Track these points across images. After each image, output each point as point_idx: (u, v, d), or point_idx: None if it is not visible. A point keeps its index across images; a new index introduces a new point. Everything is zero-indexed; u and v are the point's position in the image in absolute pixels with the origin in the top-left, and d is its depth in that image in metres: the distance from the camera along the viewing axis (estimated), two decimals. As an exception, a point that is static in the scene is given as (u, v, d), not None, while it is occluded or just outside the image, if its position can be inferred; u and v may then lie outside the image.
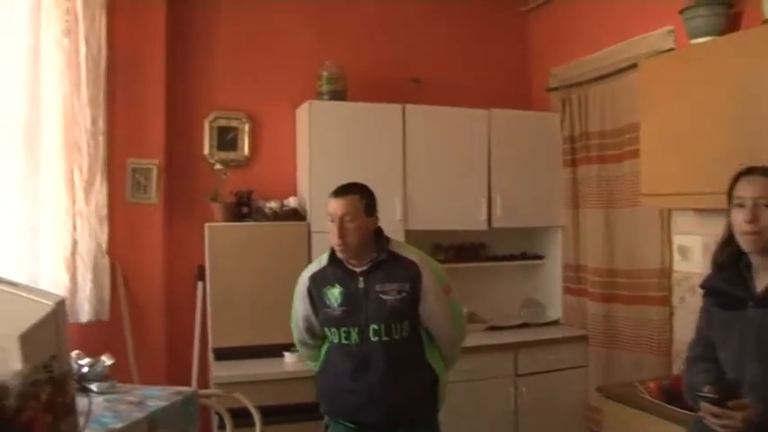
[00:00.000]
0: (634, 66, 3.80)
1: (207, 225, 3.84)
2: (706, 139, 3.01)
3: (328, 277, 2.65)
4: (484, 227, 4.27)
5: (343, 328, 2.61)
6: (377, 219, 2.68)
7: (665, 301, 3.69)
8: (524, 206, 4.36)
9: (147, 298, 3.87)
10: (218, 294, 3.80)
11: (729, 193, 2.06)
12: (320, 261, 2.73)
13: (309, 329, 2.75)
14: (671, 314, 3.68)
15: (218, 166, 3.94)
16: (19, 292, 1.41)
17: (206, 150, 4.13)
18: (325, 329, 2.67)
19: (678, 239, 3.62)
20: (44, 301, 1.40)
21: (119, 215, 3.77)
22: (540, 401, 4.07)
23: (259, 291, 3.80)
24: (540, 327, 4.46)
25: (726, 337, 2.06)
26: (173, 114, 3.98)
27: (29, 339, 1.34)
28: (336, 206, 2.58)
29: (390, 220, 3.93)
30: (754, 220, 1.95)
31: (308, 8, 4.37)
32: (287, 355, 3.69)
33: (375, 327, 2.58)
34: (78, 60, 3.45)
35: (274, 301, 3.74)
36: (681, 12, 3.23)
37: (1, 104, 3.21)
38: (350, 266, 2.64)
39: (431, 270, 2.68)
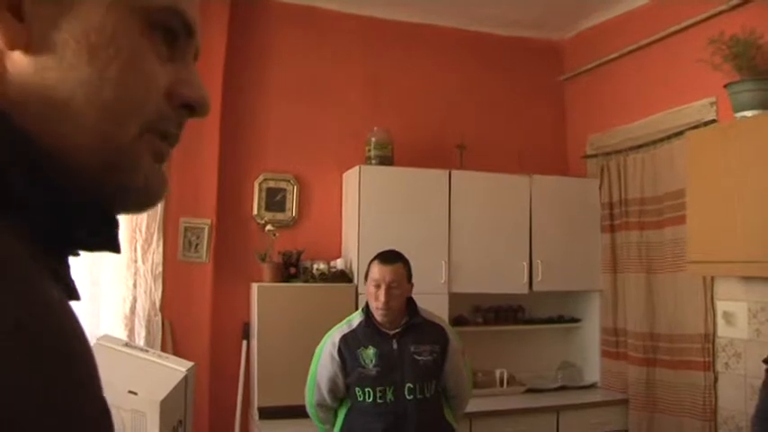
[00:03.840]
0: (673, 135, 3.94)
1: (256, 285, 3.91)
2: (753, 209, 3.12)
3: (360, 338, 2.80)
4: (525, 290, 4.34)
5: (379, 388, 2.73)
6: (412, 285, 2.90)
7: (709, 366, 3.73)
8: (564, 270, 4.43)
9: (194, 355, 3.88)
10: (264, 353, 3.84)
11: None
12: (350, 323, 2.88)
13: (332, 391, 2.83)
14: (715, 379, 3.71)
15: (269, 227, 4.03)
16: (152, 359, 1.49)
17: (255, 211, 4.23)
18: (356, 390, 2.77)
19: (722, 305, 3.68)
20: (177, 367, 1.47)
21: (170, 273, 3.86)
22: (583, 465, 4.08)
23: (305, 351, 3.81)
24: (579, 390, 4.49)
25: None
26: (224, 175, 4.10)
27: (166, 405, 1.41)
28: (384, 273, 2.78)
29: (435, 283, 4.03)
30: None
31: (356, 76, 4.54)
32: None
33: (410, 385, 2.74)
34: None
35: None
36: (726, 85, 3.35)
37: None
38: (383, 329, 2.81)
39: (454, 334, 2.96)
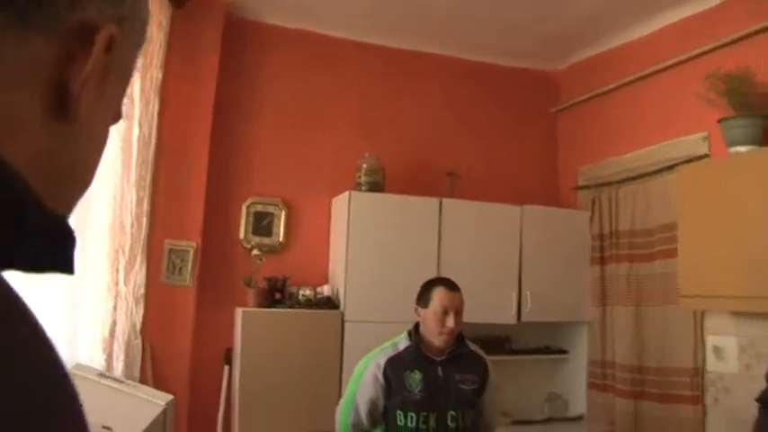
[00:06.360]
0: (665, 168, 3.92)
1: (240, 310, 3.84)
2: (745, 244, 3.09)
3: (406, 362, 2.82)
4: (513, 321, 4.28)
5: (422, 413, 2.76)
6: None
7: (698, 400, 3.68)
8: (553, 301, 4.38)
9: (174, 379, 3.79)
10: (247, 379, 3.76)
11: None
12: (396, 346, 2.89)
13: (371, 413, 2.84)
14: (704, 414, 3.66)
15: (255, 252, 3.96)
16: (128, 391, 1.42)
17: (241, 235, 4.16)
18: (398, 413, 2.78)
19: (712, 340, 3.64)
20: (155, 400, 1.41)
21: (153, 296, 3.76)
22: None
23: (289, 377, 3.77)
24: (565, 422, 4.43)
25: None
26: (211, 197, 4.01)
27: (143, 439, 1.35)
28: (454, 298, 2.87)
29: (424, 311, 3.96)
30: None
31: (349, 102, 4.51)
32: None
33: (453, 413, 2.78)
34: (131, 142, 3.54)
35: (304, 389, 3.74)
36: (719, 121, 3.35)
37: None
38: (429, 354, 2.84)
39: (492, 366, 3.02)
